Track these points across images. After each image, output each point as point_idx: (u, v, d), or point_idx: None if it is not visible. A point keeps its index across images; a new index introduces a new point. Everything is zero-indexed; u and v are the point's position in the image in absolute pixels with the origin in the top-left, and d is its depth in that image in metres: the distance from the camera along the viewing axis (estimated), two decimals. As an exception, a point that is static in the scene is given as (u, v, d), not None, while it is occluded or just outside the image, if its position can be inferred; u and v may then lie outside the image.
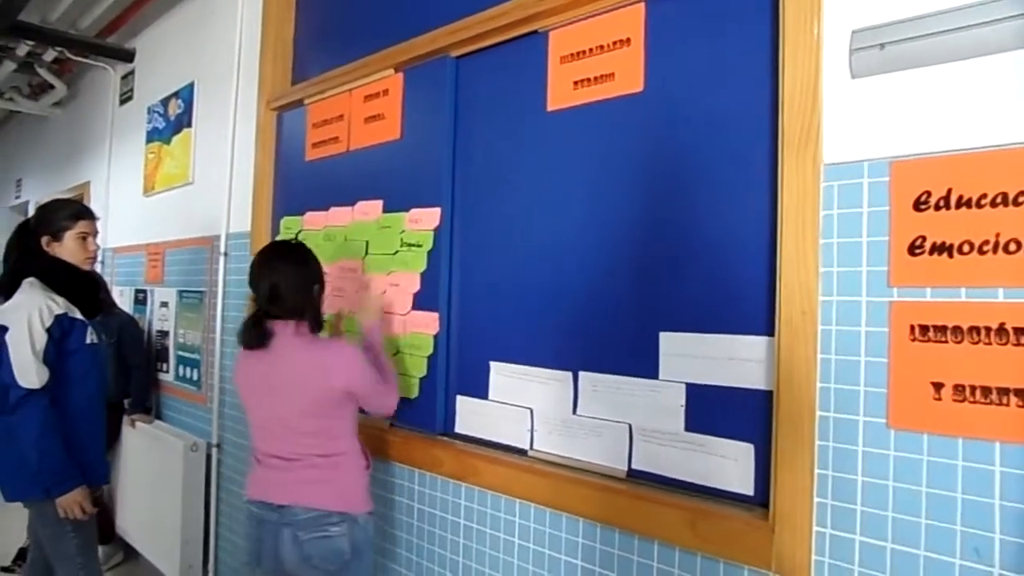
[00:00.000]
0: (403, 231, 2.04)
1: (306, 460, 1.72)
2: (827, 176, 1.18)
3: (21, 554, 3.36)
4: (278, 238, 2.51)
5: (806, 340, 1.18)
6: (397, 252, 2.06)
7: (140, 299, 3.67)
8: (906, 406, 1.08)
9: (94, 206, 4.42)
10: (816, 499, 1.17)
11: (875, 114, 1.14)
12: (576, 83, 1.65)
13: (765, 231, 1.31)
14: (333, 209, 2.34)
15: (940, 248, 1.06)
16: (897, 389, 1.09)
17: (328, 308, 2.29)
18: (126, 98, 4.15)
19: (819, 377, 1.17)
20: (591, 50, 1.62)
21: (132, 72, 4.10)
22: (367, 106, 2.22)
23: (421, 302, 1.98)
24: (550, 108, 1.70)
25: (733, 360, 1.34)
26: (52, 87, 4.93)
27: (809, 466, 1.17)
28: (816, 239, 1.18)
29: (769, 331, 1.28)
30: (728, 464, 1.35)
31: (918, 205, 1.09)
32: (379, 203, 2.15)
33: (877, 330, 1.11)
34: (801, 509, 1.18)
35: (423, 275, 1.97)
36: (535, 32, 1.73)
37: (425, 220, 1.98)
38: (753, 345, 1.31)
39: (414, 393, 1.98)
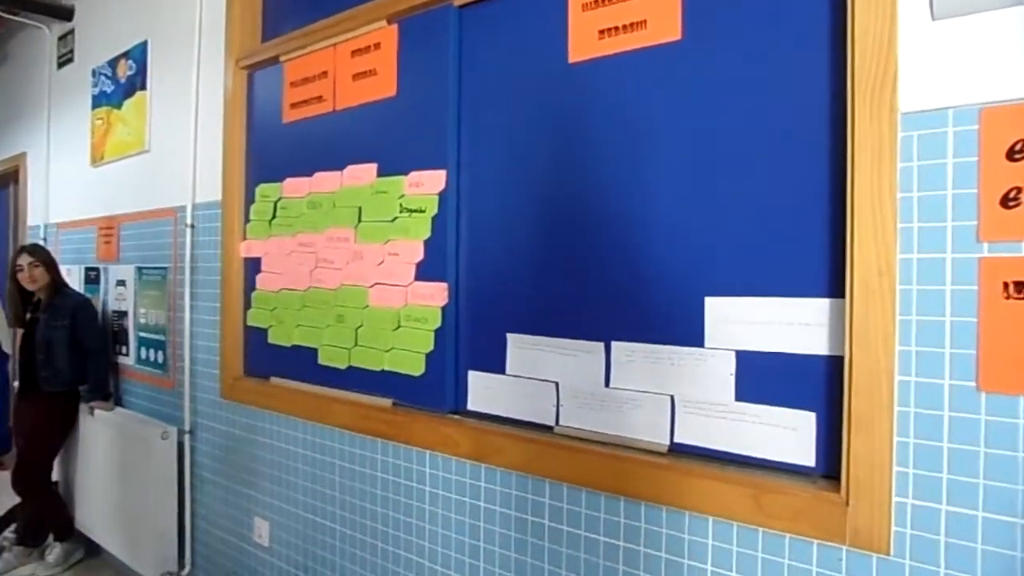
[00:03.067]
0: (402, 196, 1.90)
1: None
2: (905, 125, 1.10)
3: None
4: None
5: (883, 301, 1.11)
6: (396, 219, 1.92)
7: (92, 278, 3.42)
8: (999, 368, 1.02)
9: (32, 180, 4.11)
10: (896, 468, 1.10)
11: (960, 58, 1.06)
12: (602, 32, 1.53)
13: (824, 185, 1.23)
14: (318, 174, 2.17)
15: (1038, 199, 1.00)
16: (988, 350, 1.03)
17: (315, 282, 2.14)
18: (65, 60, 3.82)
19: (899, 340, 1.10)
20: (619, -4, 1.50)
21: (71, 32, 3.77)
22: (355, 62, 2.06)
23: (426, 272, 1.85)
24: (572, 60, 1.58)
25: (792, 325, 1.26)
26: (-24, 49, 4.54)
27: (888, 434, 1.11)
28: (894, 193, 1.10)
29: (834, 292, 1.21)
30: (786, 435, 1.28)
31: (1012, 154, 1.02)
32: (373, 167, 1.99)
33: (964, 288, 1.05)
34: (879, 479, 1.11)
35: (427, 243, 1.84)
36: (552, -22, 1.61)
37: (428, 184, 1.84)
38: (815, 308, 1.24)
39: (419, 370, 1.86)
